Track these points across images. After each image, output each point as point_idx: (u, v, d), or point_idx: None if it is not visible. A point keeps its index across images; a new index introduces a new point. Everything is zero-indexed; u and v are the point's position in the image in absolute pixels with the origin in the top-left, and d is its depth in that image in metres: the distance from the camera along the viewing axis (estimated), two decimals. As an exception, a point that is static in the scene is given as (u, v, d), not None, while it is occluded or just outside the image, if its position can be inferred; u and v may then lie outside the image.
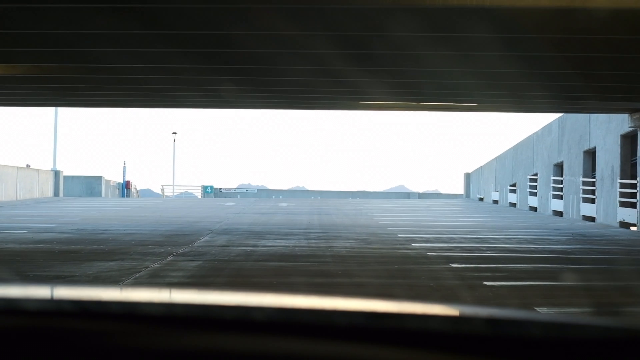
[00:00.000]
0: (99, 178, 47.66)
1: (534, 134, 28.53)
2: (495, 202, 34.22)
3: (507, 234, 18.11)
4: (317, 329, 1.12)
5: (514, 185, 31.11)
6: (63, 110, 45.96)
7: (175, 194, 57.35)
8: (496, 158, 34.83)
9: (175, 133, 56.14)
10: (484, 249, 14.29)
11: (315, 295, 1.36)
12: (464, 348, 1.06)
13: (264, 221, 21.62)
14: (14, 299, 1.27)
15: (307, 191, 69.24)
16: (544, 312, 2.92)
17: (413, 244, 15.03)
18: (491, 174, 35.49)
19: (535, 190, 28.00)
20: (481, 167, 38.30)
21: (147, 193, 63.66)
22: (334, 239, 15.90)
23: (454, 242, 15.49)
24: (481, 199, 37.37)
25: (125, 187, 53.80)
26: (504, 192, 32.66)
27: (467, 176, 41.50)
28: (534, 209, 27.98)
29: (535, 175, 28.02)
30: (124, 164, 54.43)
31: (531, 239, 16.84)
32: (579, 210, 23.01)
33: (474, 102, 19.08)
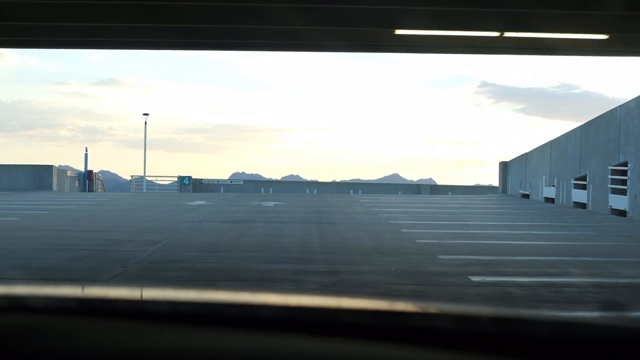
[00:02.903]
0: (49, 167, 39.35)
1: (621, 106, 20.28)
2: (549, 200, 26.00)
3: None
4: (323, 327, 1.12)
5: (583, 178, 22.88)
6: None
7: (150, 185, 48.99)
8: (551, 143, 26.54)
9: (146, 114, 47.75)
10: None
11: (321, 294, 1.61)
12: (470, 346, 1.06)
13: (230, 241, 13.38)
14: (19, 296, 1.28)
15: (302, 182, 61.04)
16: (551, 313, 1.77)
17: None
18: (543, 163, 27.20)
19: (623, 187, 19.77)
20: (525, 155, 29.96)
21: (121, 185, 54.67)
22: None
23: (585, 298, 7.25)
24: (525, 196, 29.09)
25: (87, 179, 45.51)
26: (564, 188, 24.41)
27: (504, 166, 33.17)
28: (620, 212, 19.77)
29: (624, 165, 19.78)
30: (86, 150, 46.15)
31: None
32: None
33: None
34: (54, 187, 39.11)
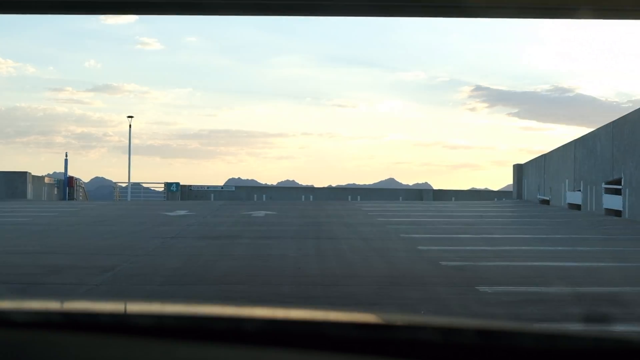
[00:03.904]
0: (23, 174, 36.38)
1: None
2: (574, 207, 23.12)
3: None
4: (308, 340, 1.11)
5: (616, 182, 20.00)
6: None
7: (136, 193, 45.99)
8: (575, 142, 23.63)
9: (131, 117, 44.80)
10: None
11: (307, 307, 1.45)
12: (455, 358, 1.06)
13: (203, 267, 10.44)
14: (2, 311, 1.25)
15: (297, 187, 58.11)
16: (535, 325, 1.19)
17: None
18: (565, 165, 24.29)
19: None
20: (544, 156, 27.03)
21: (106, 193, 51.61)
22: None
23: None
24: (545, 202, 26.19)
25: (67, 186, 42.54)
26: (593, 193, 21.53)
27: (519, 169, 30.24)
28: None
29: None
30: (66, 155, 43.19)
31: None
32: None
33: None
34: (29, 196, 36.14)
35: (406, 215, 21.02)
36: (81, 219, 19.77)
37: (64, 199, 41.64)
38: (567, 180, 23.97)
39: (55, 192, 41.88)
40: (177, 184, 44.91)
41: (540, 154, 27.58)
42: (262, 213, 21.50)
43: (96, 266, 10.14)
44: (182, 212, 21.69)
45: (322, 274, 9.69)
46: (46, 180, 40.53)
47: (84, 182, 45.40)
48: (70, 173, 43.02)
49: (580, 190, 22.65)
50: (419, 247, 12.75)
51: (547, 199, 25.88)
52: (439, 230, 16.26)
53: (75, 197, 42.88)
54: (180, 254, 11.80)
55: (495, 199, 44.05)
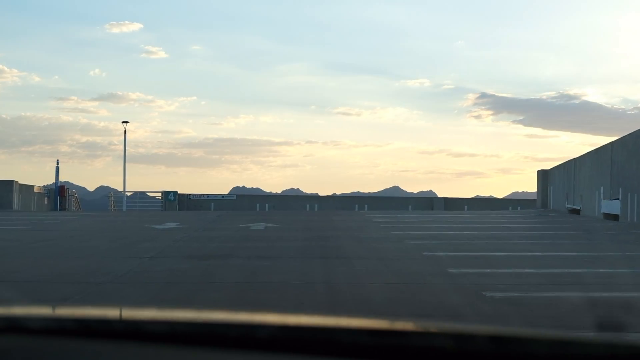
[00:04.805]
0: (10, 183, 34.08)
1: None
2: (610, 217, 20.66)
3: None
4: (320, 346, 1.10)
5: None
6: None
7: (132, 202, 43.61)
8: (612, 144, 21.14)
9: (126, 122, 42.46)
10: None
11: (319, 313, 1.39)
12: None
13: (178, 298, 7.99)
14: (16, 317, 1.25)
15: (302, 196, 55.71)
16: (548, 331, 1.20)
17: None
18: (600, 171, 21.79)
19: None
20: (573, 161, 24.51)
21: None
22: None
23: None
24: (574, 211, 23.71)
25: (58, 195, 40.23)
26: (634, 202, 19.07)
27: (544, 176, 27.71)
28: None
29: None
30: (57, 163, 40.90)
31: None
32: None
33: None
34: (15, 206, 33.84)
35: (423, 228, 18.63)
36: (56, 233, 17.39)
37: (55, 209, 39.35)
38: (601, 188, 21.49)
39: (46, 202, 39.56)
40: (175, 192, 42.55)
41: (569, 159, 25.06)
42: (261, 225, 19.11)
43: (38, 300, 7.77)
44: (172, 225, 19.31)
45: (332, 311, 7.30)
46: (36, 189, 38.20)
47: (75, 192, 43.00)
48: (75, 182, 41.39)
49: (618, 199, 20.18)
50: (450, 270, 10.35)
51: (577, 208, 23.39)
52: (467, 246, 13.85)
53: (67, 207, 40.57)
54: (153, 280, 9.41)
55: (510, 208, 41.61)
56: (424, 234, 16.61)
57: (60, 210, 39.03)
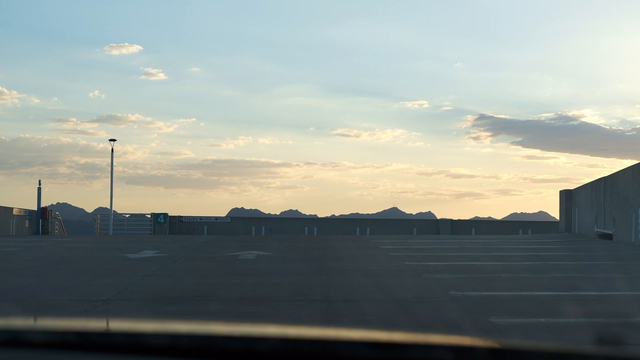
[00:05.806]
0: (-15, 206, 31.52)
1: None
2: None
3: None
4: (321, 358, 1.09)
5: None
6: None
7: (119, 225, 41.02)
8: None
9: (113, 140, 39.99)
10: None
11: (319, 326, 1.33)
12: None
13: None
14: (17, 331, 1.22)
15: (300, 218, 53.17)
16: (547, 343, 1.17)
17: None
18: (639, 190, 19.20)
19: None
20: (603, 179, 21.93)
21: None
22: None
23: None
24: (605, 236, 21.12)
25: (40, 218, 37.64)
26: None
27: (568, 197, 25.11)
28: None
29: None
30: (39, 184, 38.32)
31: None
32: None
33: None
34: (-8, 229, 31.27)
35: (440, 257, 16.09)
36: (5, 263, 14.80)
37: (36, 232, 36.81)
38: (639, 209, 18.92)
39: (27, 225, 37.00)
40: (165, 214, 39.96)
41: (598, 177, 22.50)
42: (252, 254, 16.55)
43: None
44: (149, 254, 16.74)
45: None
46: (15, 211, 35.64)
47: (59, 214, 40.39)
48: (74, 203, 39.41)
49: (661, 223, 17.62)
50: (493, 320, 7.82)
51: (610, 232, 20.81)
52: (500, 282, 11.31)
53: (50, 230, 38.02)
54: None
55: (520, 232, 39.07)
56: (442, 265, 14.08)
57: (42, 234, 36.50)
